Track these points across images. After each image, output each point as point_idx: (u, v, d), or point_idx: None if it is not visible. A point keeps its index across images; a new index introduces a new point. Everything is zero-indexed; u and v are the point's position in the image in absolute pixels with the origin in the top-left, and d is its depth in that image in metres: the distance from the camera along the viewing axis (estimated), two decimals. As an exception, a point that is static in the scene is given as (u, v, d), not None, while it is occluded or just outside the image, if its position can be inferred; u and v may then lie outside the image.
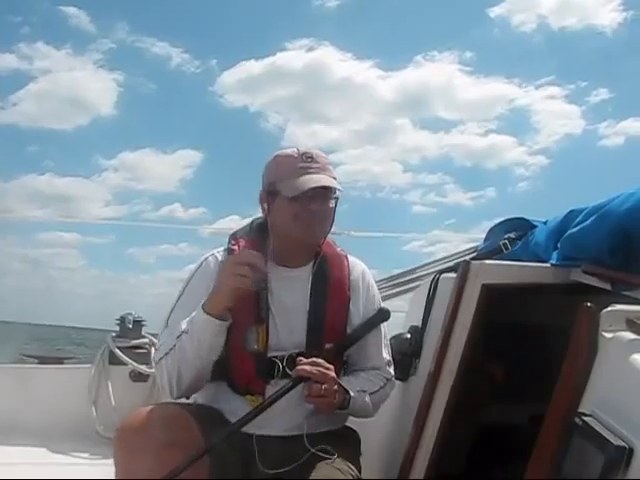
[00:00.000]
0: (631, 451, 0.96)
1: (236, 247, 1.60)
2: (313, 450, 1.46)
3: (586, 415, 1.07)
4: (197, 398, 1.59)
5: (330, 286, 1.59)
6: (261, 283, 1.44)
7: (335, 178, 1.56)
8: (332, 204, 1.56)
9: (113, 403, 2.73)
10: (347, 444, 1.58)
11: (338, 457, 1.47)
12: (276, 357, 1.52)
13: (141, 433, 1.33)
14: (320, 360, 1.44)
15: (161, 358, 1.49)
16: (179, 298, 1.59)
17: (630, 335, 1.11)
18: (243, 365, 1.52)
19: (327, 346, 1.53)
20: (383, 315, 1.57)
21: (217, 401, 1.51)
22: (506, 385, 1.89)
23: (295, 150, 1.56)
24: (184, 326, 1.46)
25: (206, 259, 1.63)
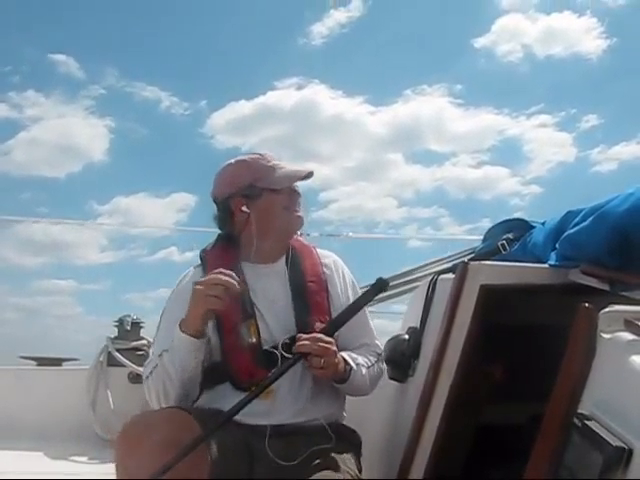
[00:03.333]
0: (630, 452, 0.96)
1: (209, 259, 1.69)
2: (315, 445, 1.49)
3: (585, 416, 1.07)
4: (199, 405, 1.60)
5: (306, 273, 1.68)
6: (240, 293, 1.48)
7: None
8: None
9: (112, 405, 2.73)
10: (347, 444, 1.59)
11: (338, 457, 1.49)
12: (272, 347, 1.56)
13: (143, 436, 1.33)
14: (320, 335, 1.48)
15: (147, 377, 1.55)
16: (160, 322, 1.66)
17: (628, 336, 1.11)
18: (242, 361, 1.55)
19: (317, 327, 1.56)
20: (381, 284, 1.57)
21: (223, 403, 1.51)
22: (505, 386, 1.88)
23: (250, 156, 1.72)
24: (165, 345, 1.51)
25: (181, 278, 1.72)
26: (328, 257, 1.77)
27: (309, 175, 1.73)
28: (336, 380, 1.56)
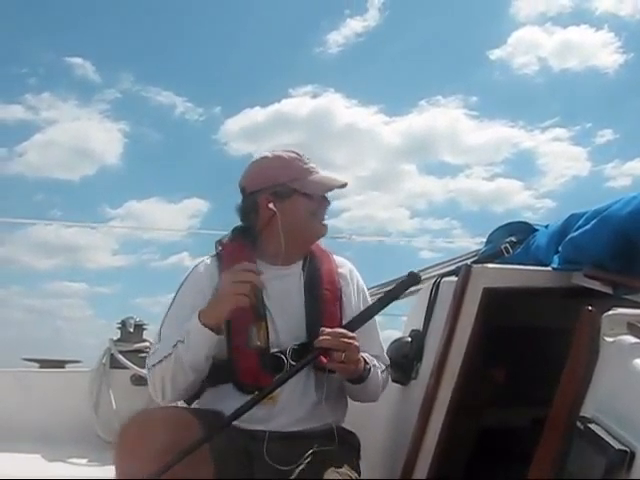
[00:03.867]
0: (632, 455, 0.95)
1: (225, 252, 1.66)
2: (314, 449, 1.47)
3: (587, 419, 1.07)
4: (200, 403, 1.59)
5: (321, 280, 1.65)
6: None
7: None
8: None
9: (114, 407, 2.73)
10: (347, 447, 1.59)
11: (338, 461, 1.48)
12: (279, 352, 1.54)
13: (142, 437, 1.33)
14: (342, 330, 1.45)
15: (155, 364, 1.51)
16: (171, 307, 1.62)
17: (631, 339, 1.11)
18: (248, 363, 1.53)
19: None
20: (414, 278, 1.53)
21: (224, 404, 1.49)
22: (507, 389, 1.88)
23: (288, 153, 1.67)
24: (179, 335, 1.47)
25: (196, 267, 1.67)
26: (344, 266, 1.74)
27: (344, 186, 1.69)
28: (354, 379, 1.53)
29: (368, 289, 1.78)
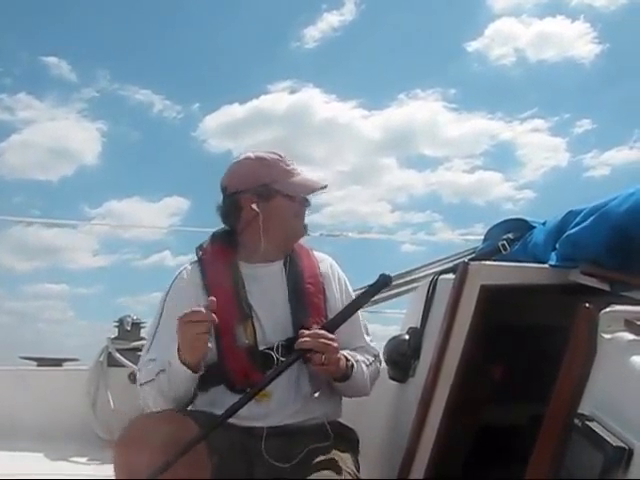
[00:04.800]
0: (630, 452, 0.96)
1: (205, 257, 1.67)
2: (312, 445, 1.48)
3: (585, 416, 1.07)
4: (195, 408, 1.59)
5: (303, 275, 1.67)
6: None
7: None
8: None
9: (112, 405, 2.72)
10: (346, 443, 1.59)
11: (336, 456, 1.48)
12: (267, 349, 1.55)
13: (142, 439, 1.33)
14: (322, 331, 1.47)
15: (142, 385, 1.54)
16: (159, 321, 1.62)
17: (629, 336, 1.11)
18: (237, 362, 1.53)
19: (314, 329, 1.52)
20: (384, 281, 1.55)
21: (217, 406, 1.50)
22: (505, 386, 1.88)
23: (270, 155, 1.69)
24: (160, 363, 1.49)
25: (178, 275, 1.69)
26: (324, 260, 1.76)
27: (324, 187, 1.72)
28: (337, 378, 1.55)
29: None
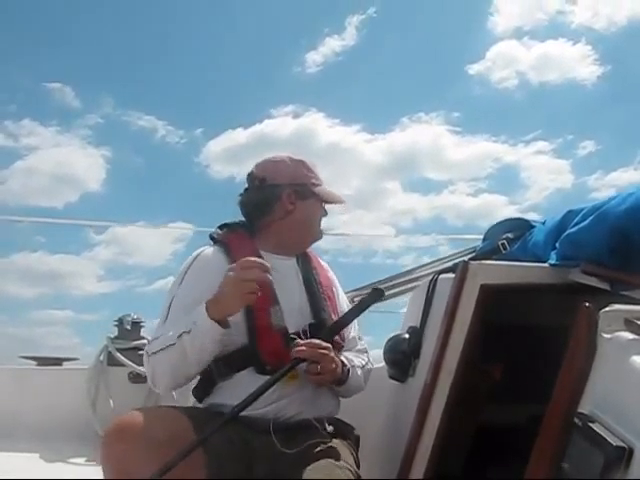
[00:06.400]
0: (630, 451, 0.95)
1: (230, 242, 1.68)
2: (313, 440, 1.48)
3: (585, 415, 1.07)
4: (215, 397, 1.57)
5: (316, 272, 1.76)
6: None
7: None
8: None
9: (112, 404, 2.73)
10: (345, 439, 1.60)
11: (337, 452, 1.49)
12: (294, 333, 1.57)
13: (131, 435, 1.29)
14: (317, 341, 1.50)
15: (156, 352, 1.49)
16: (175, 293, 1.60)
17: (629, 335, 1.11)
18: (272, 344, 1.54)
19: (330, 319, 1.64)
20: (377, 294, 1.60)
21: (246, 390, 1.41)
22: (505, 385, 1.88)
23: (307, 160, 1.77)
24: (184, 325, 1.45)
25: (200, 253, 1.67)
26: (328, 268, 1.86)
27: (345, 203, 1.84)
28: (334, 383, 1.60)
29: None
